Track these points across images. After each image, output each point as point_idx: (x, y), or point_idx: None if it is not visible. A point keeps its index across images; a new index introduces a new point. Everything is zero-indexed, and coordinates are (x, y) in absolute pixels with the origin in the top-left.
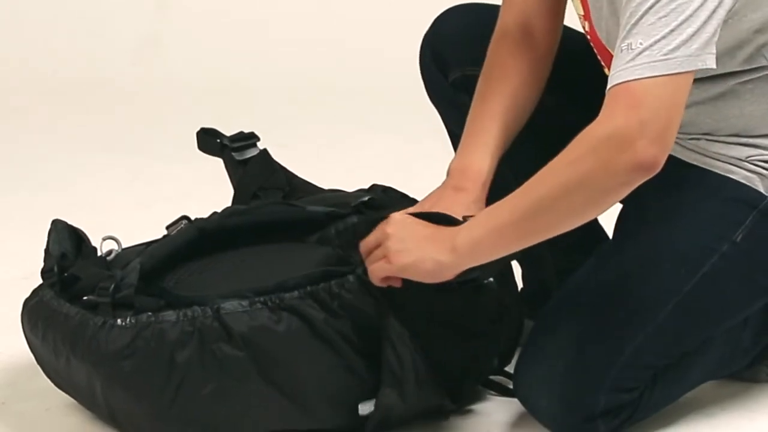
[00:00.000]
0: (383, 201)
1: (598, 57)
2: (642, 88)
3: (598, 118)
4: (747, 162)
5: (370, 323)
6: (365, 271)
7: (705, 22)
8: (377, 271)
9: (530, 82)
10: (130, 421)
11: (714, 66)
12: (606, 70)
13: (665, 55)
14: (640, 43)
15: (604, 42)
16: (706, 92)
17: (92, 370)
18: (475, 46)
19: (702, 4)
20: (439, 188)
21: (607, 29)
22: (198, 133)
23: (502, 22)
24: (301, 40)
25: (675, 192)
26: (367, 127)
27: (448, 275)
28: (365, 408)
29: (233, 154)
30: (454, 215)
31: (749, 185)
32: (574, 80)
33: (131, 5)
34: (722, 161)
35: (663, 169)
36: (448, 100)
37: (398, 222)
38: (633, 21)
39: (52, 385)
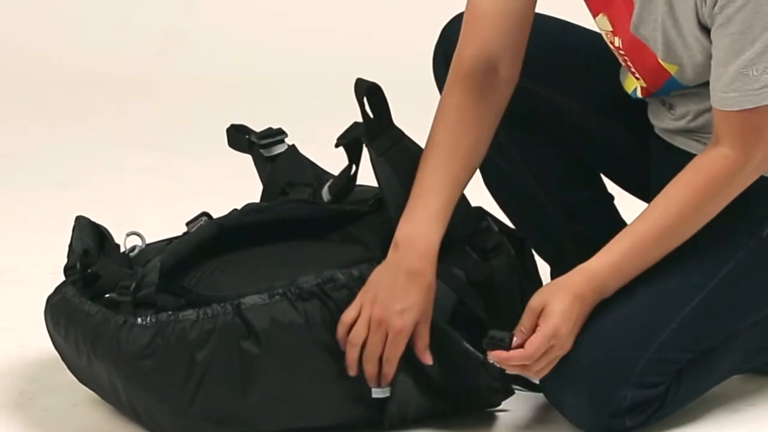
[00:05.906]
0: None
1: (629, 64)
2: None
3: (727, 149)
4: None
5: None
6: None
7: None
8: (550, 366)
9: (489, 134)
10: (152, 419)
11: None
12: (640, 80)
13: None
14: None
15: (654, 49)
16: None
17: (113, 368)
18: None
19: None
20: (389, 268)
21: (665, 37)
22: (228, 130)
23: (463, 56)
24: (327, 34)
25: None
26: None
27: None
28: (378, 392)
29: (261, 150)
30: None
31: None
32: (593, 86)
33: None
34: None
35: None
36: None
37: (562, 322)
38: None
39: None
